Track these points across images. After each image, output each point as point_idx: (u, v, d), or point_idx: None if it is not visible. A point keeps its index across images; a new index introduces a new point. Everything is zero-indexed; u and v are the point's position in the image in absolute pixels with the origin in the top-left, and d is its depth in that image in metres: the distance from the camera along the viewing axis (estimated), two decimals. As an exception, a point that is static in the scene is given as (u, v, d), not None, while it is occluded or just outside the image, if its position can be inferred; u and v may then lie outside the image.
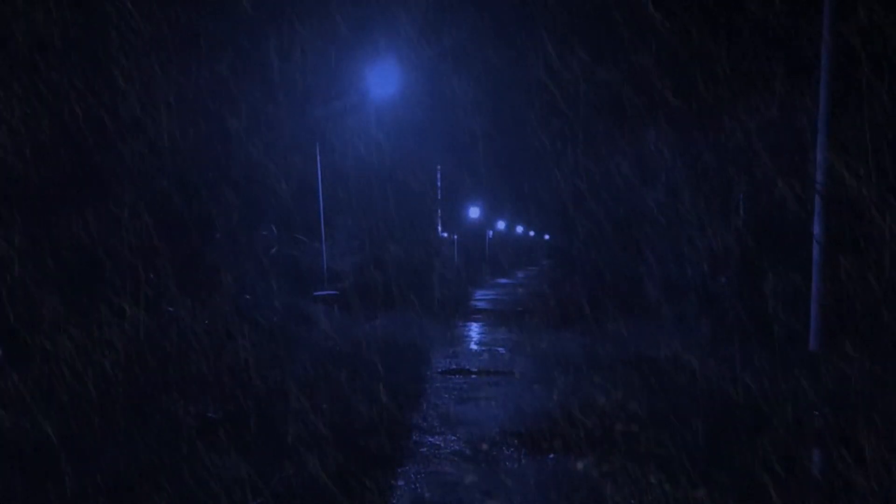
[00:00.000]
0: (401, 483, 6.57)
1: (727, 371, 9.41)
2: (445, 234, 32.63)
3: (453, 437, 7.99)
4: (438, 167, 28.94)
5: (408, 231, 22.78)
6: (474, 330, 17.73)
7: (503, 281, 37.67)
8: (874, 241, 9.66)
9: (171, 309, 9.58)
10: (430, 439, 7.95)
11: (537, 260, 60.53)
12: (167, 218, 9.72)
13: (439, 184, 29.54)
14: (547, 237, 59.37)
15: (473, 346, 14.97)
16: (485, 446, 7.65)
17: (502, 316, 20.30)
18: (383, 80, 17.67)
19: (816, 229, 10.03)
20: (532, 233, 66.74)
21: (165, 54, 9.73)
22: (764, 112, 12.11)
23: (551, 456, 7.30)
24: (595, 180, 17.90)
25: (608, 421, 8.20)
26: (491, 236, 48.49)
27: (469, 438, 7.93)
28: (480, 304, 24.59)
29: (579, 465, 6.92)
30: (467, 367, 12.31)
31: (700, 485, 6.02)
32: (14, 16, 8.13)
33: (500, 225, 52.33)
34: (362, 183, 19.47)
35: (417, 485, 6.56)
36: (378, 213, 20.88)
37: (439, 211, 29.76)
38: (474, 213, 39.08)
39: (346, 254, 19.43)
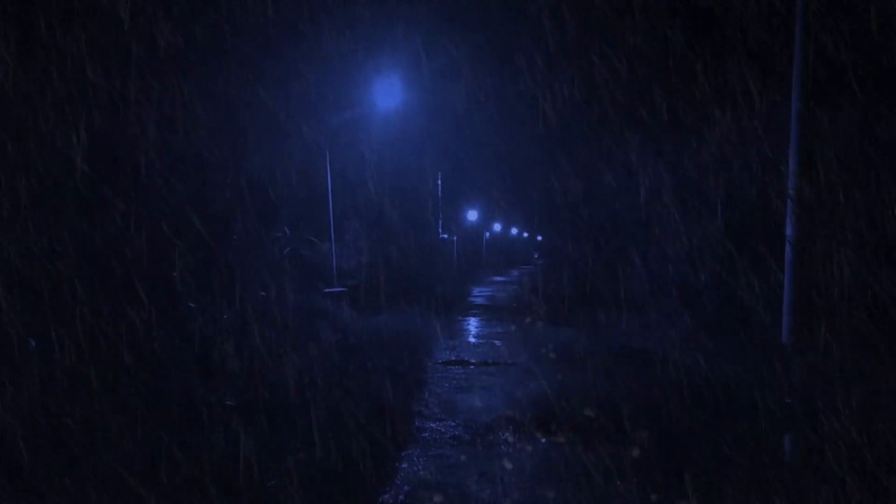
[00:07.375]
0: (404, 465, 6.61)
1: (706, 361, 9.44)
2: (445, 236, 32.67)
3: (453, 423, 8.02)
4: (439, 173, 28.99)
5: (411, 232, 22.82)
6: (472, 324, 17.74)
7: (499, 279, 37.66)
8: (843, 242, 9.70)
9: (192, 305, 9.60)
10: (432, 425, 7.97)
11: (531, 259, 60.54)
12: (189, 220, 9.74)
13: (440, 188, 29.59)
14: (539, 238, 59.46)
15: (472, 339, 14.99)
16: (482, 432, 7.68)
17: (498, 311, 20.30)
18: (389, 92, 17.77)
19: (789, 231, 10.06)
20: (526, 234, 66.81)
21: (189, 66, 9.74)
22: (740, 121, 12.14)
23: (543, 441, 7.33)
24: (584, 185, 17.93)
25: (596, 407, 8.21)
26: (488, 237, 48.56)
27: (468, 424, 7.96)
28: (478, 300, 24.60)
29: (569, 449, 6.95)
30: (466, 358, 12.33)
31: (678, 465, 6.04)
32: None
33: (497, 227, 52.41)
34: (369, 188, 19.52)
35: (420, 467, 6.60)
36: (383, 216, 20.93)
37: (440, 214, 29.81)
38: (472, 215, 39.18)
39: (354, 254, 19.46)
